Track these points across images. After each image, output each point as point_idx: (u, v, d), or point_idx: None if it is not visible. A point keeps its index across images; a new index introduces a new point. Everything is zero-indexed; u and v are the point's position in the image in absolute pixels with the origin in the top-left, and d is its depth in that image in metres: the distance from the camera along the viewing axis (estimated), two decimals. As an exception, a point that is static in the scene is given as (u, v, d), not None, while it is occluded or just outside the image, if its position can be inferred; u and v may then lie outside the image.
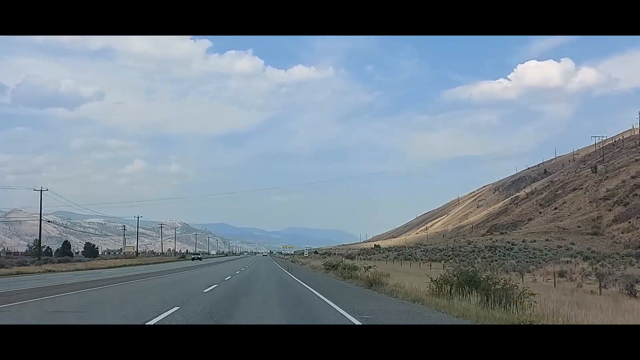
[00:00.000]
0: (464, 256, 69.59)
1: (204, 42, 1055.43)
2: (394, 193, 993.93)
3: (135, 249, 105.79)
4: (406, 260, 65.55)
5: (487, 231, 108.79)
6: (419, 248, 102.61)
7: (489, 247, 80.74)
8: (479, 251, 77.19)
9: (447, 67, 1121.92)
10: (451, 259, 64.16)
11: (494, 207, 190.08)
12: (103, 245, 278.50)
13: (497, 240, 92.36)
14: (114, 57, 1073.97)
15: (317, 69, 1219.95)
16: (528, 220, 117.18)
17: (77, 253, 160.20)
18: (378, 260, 66.79)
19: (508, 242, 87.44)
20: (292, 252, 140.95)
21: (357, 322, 9.93)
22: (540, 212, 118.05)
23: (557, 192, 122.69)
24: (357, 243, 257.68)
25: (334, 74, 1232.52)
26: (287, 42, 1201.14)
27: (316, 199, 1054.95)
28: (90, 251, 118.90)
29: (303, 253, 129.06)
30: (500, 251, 75.36)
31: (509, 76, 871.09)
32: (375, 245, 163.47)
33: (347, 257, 78.16)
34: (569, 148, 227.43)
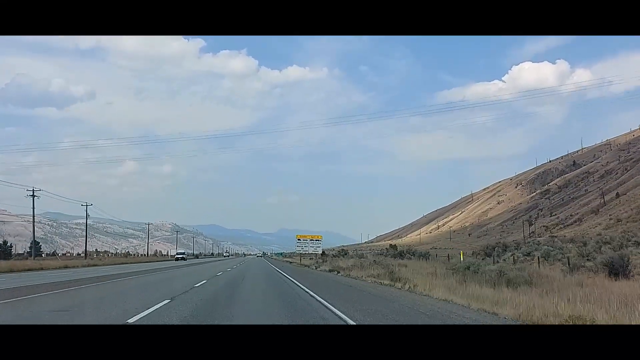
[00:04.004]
0: None
1: (197, 42, 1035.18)
2: (388, 194, 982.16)
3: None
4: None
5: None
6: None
7: None
8: None
9: (441, 69, 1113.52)
10: None
11: (520, 201, 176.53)
12: (90, 246, 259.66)
13: None
14: (105, 56, 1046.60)
15: (312, 69, 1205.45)
16: None
17: (64, 254, 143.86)
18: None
19: None
20: (322, 251, 63.19)
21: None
22: None
23: None
24: (358, 244, 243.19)
25: (328, 74, 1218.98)
26: (282, 42, 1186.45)
27: (309, 200, 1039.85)
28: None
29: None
30: None
31: (503, 78, 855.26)
32: (390, 245, 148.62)
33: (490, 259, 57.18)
34: (565, 147, 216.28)
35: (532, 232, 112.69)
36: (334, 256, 67.51)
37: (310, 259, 64.09)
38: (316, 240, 59.47)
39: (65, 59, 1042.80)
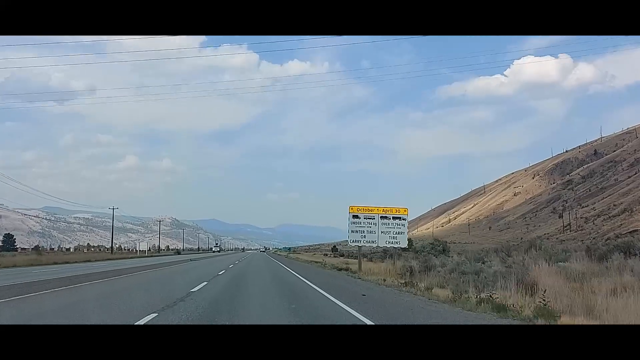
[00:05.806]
0: None
1: (197, 36, 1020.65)
2: (390, 189, 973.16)
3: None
4: None
5: None
6: None
7: None
8: None
9: (442, 63, 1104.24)
10: None
11: (539, 192, 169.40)
12: (87, 241, 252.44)
13: None
14: (105, 50, 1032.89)
15: (313, 64, 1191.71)
16: None
17: (59, 249, 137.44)
18: None
19: None
20: (408, 241, 29.77)
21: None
22: None
23: None
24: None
25: (329, 69, 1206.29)
26: (283, 37, 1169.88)
27: (309, 195, 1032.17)
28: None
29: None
30: None
31: (505, 72, 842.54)
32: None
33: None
34: (565, 144, 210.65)
35: (568, 224, 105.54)
36: (420, 252, 38.01)
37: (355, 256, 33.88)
38: (395, 217, 27.22)
39: (65, 53, 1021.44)
